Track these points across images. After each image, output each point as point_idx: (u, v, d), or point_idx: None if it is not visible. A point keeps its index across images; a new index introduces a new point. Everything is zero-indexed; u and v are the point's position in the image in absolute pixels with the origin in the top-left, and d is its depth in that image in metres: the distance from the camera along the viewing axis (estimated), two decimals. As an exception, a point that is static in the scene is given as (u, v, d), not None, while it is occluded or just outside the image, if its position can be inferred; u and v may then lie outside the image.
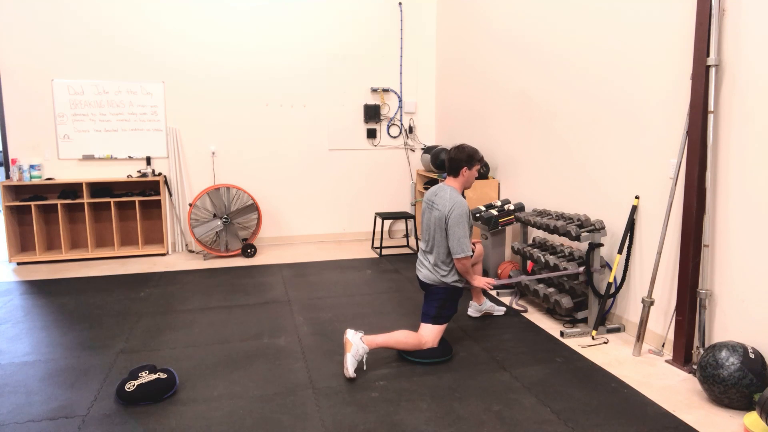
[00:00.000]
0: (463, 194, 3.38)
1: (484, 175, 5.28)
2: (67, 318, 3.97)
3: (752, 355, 2.62)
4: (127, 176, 5.89)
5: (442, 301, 3.27)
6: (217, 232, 5.76)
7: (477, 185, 5.19)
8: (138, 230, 5.88)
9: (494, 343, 3.48)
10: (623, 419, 2.58)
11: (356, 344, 3.01)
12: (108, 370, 3.13)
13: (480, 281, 3.36)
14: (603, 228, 3.64)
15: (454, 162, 3.32)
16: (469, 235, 3.25)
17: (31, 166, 5.61)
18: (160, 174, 5.92)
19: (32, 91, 5.62)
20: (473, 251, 3.65)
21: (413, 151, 6.74)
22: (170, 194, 6.02)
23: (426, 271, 3.34)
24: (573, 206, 4.17)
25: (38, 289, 4.70)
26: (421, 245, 3.46)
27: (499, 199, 5.28)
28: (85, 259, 5.70)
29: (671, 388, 2.89)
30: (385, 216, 5.89)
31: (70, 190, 5.79)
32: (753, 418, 2.46)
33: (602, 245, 3.61)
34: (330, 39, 6.30)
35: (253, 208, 5.83)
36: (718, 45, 2.89)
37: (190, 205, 5.68)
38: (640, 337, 3.32)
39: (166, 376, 2.84)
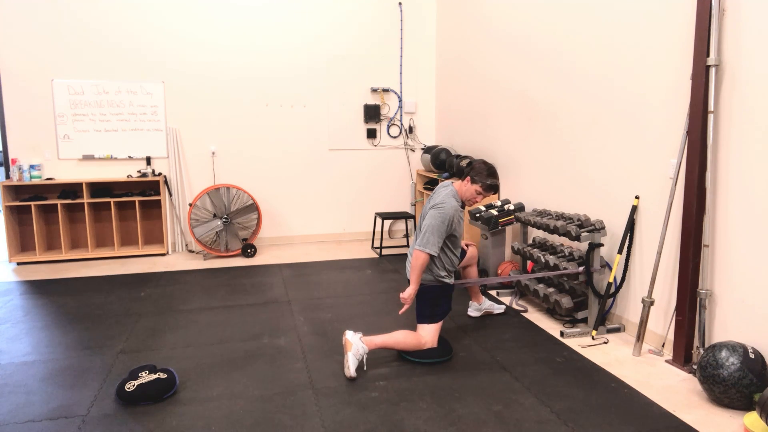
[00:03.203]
0: (463, 205, 3.34)
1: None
2: (67, 318, 3.97)
3: (752, 355, 2.62)
4: (127, 176, 5.89)
5: (435, 299, 3.24)
6: (217, 232, 5.76)
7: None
8: (138, 230, 5.88)
9: (494, 343, 3.48)
10: (623, 419, 2.58)
11: (356, 344, 3.01)
12: (108, 370, 3.13)
13: (410, 290, 3.13)
14: (603, 228, 3.64)
15: (467, 168, 3.30)
16: (441, 236, 3.11)
17: (31, 166, 5.61)
18: (160, 174, 5.92)
19: (32, 91, 5.62)
20: (456, 257, 3.36)
21: (413, 151, 6.74)
22: (170, 194, 6.02)
23: None
24: (573, 206, 4.17)
25: (38, 289, 4.70)
26: (413, 240, 3.38)
27: (499, 199, 5.28)
28: (85, 259, 5.70)
29: (671, 388, 2.89)
30: (385, 216, 5.89)
31: (70, 190, 5.79)
32: (753, 418, 2.46)
33: (602, 245, 3.61)
34: (330, 39, 6.30)
35: (253, 208, 5.83)
36: (718, 45, 2.89)
37: (190, 205, 5.68)
38: (640, 337, 3.32)
39: (166, 376, 2.84)
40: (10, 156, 5.65)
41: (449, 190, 3.28)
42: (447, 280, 3.27)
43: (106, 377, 3.04)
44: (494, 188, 3.27)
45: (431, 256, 3.18)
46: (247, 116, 6.18)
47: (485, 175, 3.24)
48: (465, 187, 3.30)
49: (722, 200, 2.93)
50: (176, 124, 5.99)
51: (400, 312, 3.15)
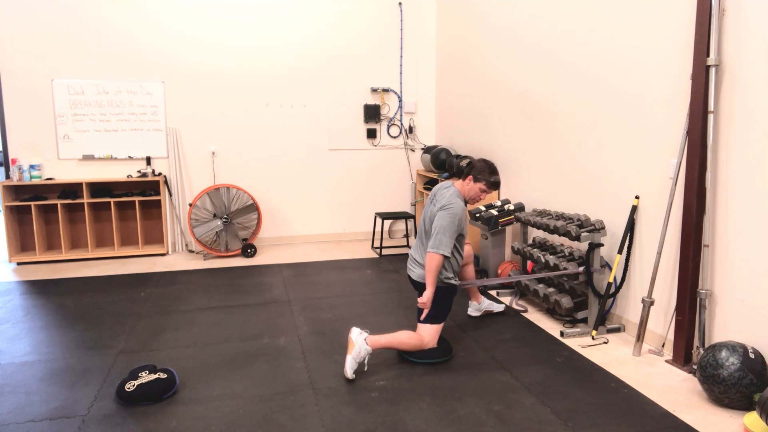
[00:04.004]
0: (465, 204, 3.34)
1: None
2: (67, 318, 3.97)
3: (752, 355, 2.62)
4: (127, 176, 5.89)
5: (438, 301, 3.24)
6: (217, 232, 5.76)
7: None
8: (138, 230, 5.88)
9: (494, 343, 3.48)
10: (623, 419, 2.58)
11: (359, 345, 3.00)
12: (108, 370, 3.13)
13: (428, 294, 3.11)
14: (603, 228, 3.64)
15: (468, 167, 3.32)
16: (453, 237, 3.12)
17: (31, 166, 5.61)
18: (160, 174, 5.92)
19: (32, 91, 5.62)
20: (461, 257, 3.37)
21: (413, 151, 6.74)
22: (170, 194, 6.02)
23: (420, 269, 3.29)
24: (573, 206, 4.17)
25: (38, 289, 4.70)
26: (416, 242, 3.41)
27: (499, 199, 5.28)
28: (85, 259, 5.70)
29: (671, 388, 2.89)
30: (385, 216, 5.89)
31: (70, 190, 5.79)
32: (753, 418, 2.46)
33: (602, 245, 3.61)
34: (330, 39, 6.30)
35: (253, 208, 5.83)
36: (718, 45, 2.89)
37: (190, 205, 5.68)
38: (640, 337, 3.32)
39: (166, 376, 2.84)
40: (10, 156, 5.65)
41: (453, 190, 3.28)
42: (453, 282, 3.28)
43: (106, 377, 3.04)
44: (497, 185, 3.32)
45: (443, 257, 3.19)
46: (247, 116, 6.18)
47: (488, 173, 3.28)
48: (468, 186, 3.32)
49: (722, 200, 2.94)
50: (176, 124, 5.99)
51: (422, 317, 3.19)
